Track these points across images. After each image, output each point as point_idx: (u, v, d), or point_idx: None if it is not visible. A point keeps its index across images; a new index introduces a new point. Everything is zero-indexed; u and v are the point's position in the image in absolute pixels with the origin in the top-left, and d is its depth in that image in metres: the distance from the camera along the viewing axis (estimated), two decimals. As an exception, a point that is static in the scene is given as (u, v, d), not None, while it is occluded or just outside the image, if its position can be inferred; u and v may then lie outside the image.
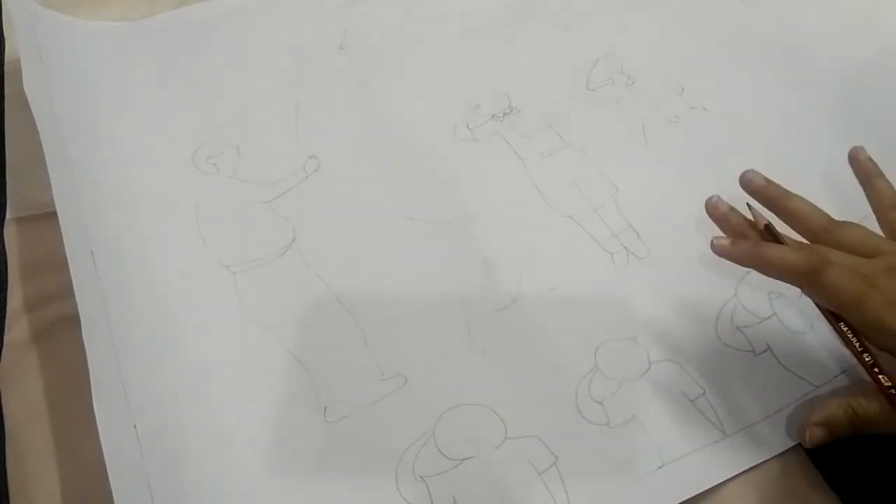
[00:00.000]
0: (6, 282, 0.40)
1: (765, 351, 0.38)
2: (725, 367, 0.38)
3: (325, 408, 0.36)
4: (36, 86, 0.44)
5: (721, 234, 0.37)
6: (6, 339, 0.38)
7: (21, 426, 0.36)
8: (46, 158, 0.40)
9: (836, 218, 0.36)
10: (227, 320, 0.39)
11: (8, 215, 0.42)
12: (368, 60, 0.52)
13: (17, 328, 0.39)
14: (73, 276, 0.36)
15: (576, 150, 0.47)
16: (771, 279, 0.34)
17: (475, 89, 0.51)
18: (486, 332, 0.39)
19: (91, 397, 0.32)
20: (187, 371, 0.36)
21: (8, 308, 0.39)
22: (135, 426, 0.32)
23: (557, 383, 0.37)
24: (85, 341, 0.34)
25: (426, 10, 0.56)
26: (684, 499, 0.34)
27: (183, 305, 0.39)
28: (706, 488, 0.34)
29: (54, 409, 0.37)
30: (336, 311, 0.39)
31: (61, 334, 0.39)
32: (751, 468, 0.35)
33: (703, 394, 0.37)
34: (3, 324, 0.38)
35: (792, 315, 0.40)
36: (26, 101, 0.43)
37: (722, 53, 0.54)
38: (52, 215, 0.39)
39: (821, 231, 0.36)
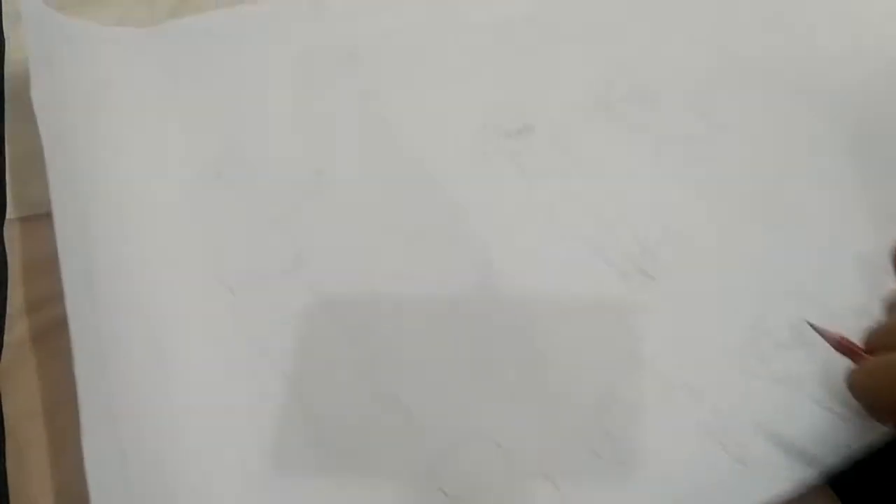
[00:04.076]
0: (6, 282, 0.40)
1: (789, 381, 0.37)
2: (742, 396, 0.37)
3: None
4: (44, 90, 0.42)
5: None
6: (6, 339, 0.38)
7: (21, 426, 0.36)
8: (47, 166, 0.39)
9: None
10: (221, 337, 0.38)
11: (8, 215, 0.43)
12: (380, 72, 0.51)
13: (17, 328, 0.39)
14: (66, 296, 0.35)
15: (587, 169, 0.47)
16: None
17: (488, 104, 0.50)
18: (490, 353, 0.38)
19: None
20: (174, 390, 0.36)
21: (8, 308, 0.39)
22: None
23: (567, 410, 0.36)
24: (75, 365, 0.33)
25: (443, 22, 0.55)
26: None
27: (178, 320, 0.38)
28: None
29: (54, 408, 0.37)
30: (332, 329, 0.39)
31: (61, 334, 0.37)
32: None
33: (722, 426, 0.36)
34: (3, 324, 0.39)
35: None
36: (27, 100, 0.42)
37: (745, 74, 0.53)
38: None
39: None
